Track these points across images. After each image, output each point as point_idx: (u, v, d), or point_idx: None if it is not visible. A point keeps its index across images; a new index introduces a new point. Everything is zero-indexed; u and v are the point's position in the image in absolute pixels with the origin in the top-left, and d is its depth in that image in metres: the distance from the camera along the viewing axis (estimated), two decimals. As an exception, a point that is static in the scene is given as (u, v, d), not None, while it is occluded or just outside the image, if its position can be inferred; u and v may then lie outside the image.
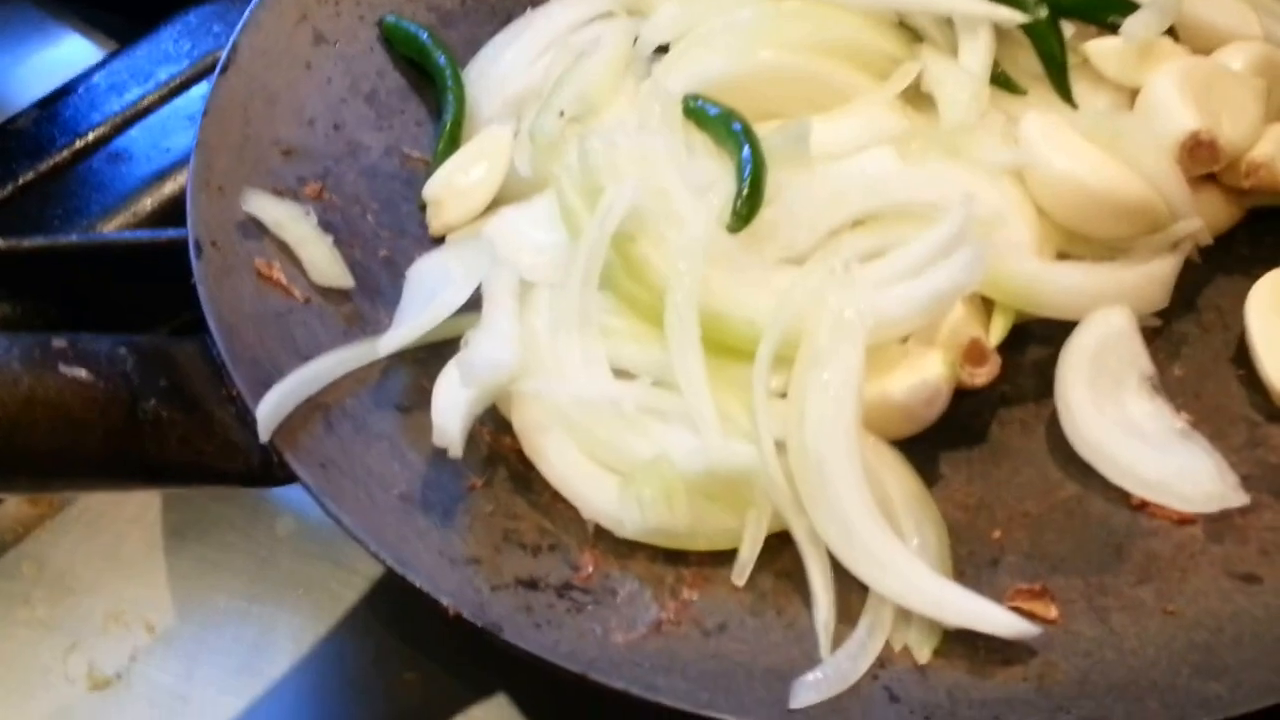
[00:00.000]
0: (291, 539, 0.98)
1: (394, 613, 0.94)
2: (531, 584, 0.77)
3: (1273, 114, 0.93)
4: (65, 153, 1.12)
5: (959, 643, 0.74)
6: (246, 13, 0.99)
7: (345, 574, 0.95)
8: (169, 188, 1.09)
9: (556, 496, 0.81)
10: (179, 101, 1.15)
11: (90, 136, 1.13)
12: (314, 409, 0.82)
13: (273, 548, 0.98)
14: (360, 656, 0.92)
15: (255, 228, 0.91)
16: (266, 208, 0.92)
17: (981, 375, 0.84)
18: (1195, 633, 0.74)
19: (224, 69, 0.98)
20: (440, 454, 0.80)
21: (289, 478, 0.80)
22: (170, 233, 0.95)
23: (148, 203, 1.08)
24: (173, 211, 1.05)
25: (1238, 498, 0.80)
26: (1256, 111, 0.92)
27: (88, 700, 0.92)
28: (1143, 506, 0.81)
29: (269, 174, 0.95)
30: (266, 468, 0.81)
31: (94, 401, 0.77)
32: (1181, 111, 0.89)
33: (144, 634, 0.94)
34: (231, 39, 0.99)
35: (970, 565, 0.79)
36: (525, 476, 0.82)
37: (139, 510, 1.00)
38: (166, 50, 1.19)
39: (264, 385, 0.81)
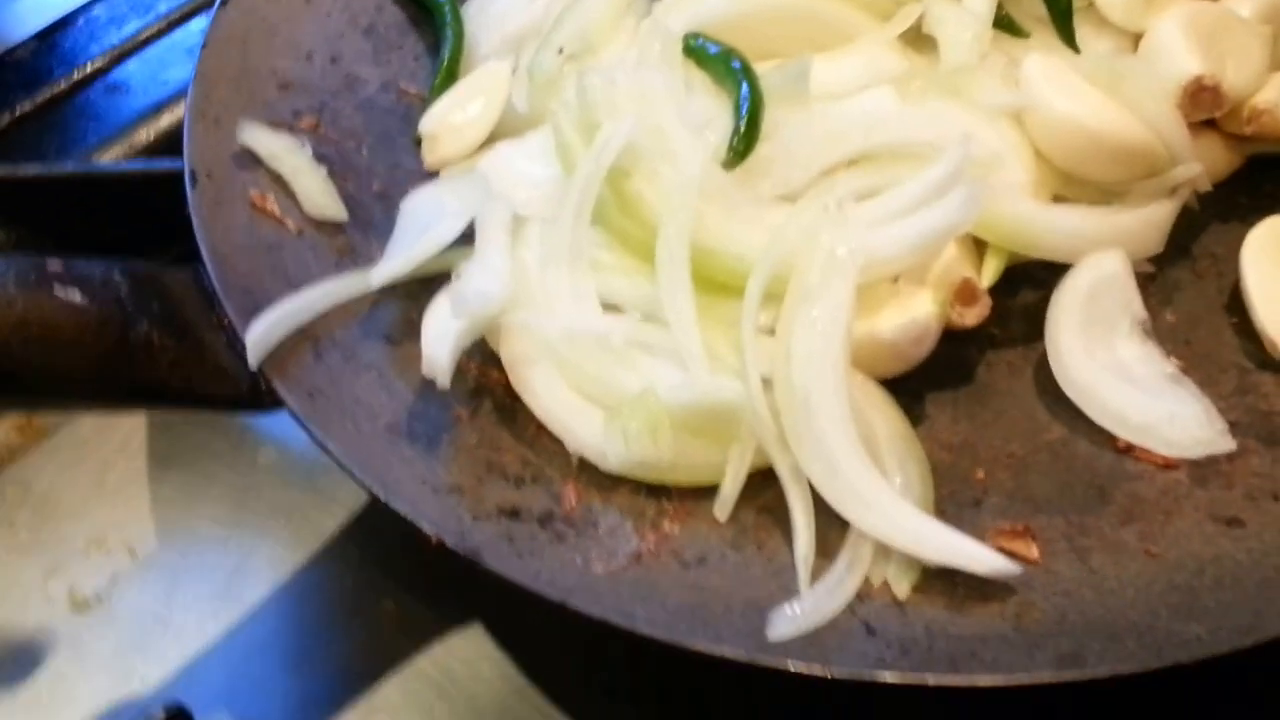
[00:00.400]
0: (273, 468, 0.98)
1: (373, 542, 0.94)
2: (514, 514, 0.77)
3: (1278, 61, 0.92)
4: (63, 84, 1.12)
5: (938, 580, 0.74)
6: (247, -54, 0.99)
7: (325, 503, 0.96)
8: (165, 120, 1.09)
9: (541, 429, 0.82)
10: (177, 34, 1.16)
11: (88, 68, 1.13)
12: (304, 338, 0.82)
13: (254, 477, 0.98)
14: (339, 585, 0.93)
15: (250, 159, 0.92)
16: (262, 139, 0.92)
17: (971, 315, 0.83)
18: (1176, 575, 0.74)
19: (224, 2, 0.98)
20: (427, 385, 0.80)
21: (276, 404, 0.80)
22: (165, 163, 0.95)
23: (144, 134, 1.09)
24: (168, 143, 1.06)
25: (1225, 443, 0.79)
26: (1262, 58, 0.90)
27: (69, 621, 0.93)
28: (1128, 450, 0.80)
29: (265, 106, 0.95)
30: (255, 394, 0.81)
31: (87, 324, 0.78)
32: (1185, 56, 0.88)
33: (125, 558, 0.95)
34: (232, -28, 0.99)
35: (952, 504, 0.79)
36: (510, 409, 0.83)
37: (124, 438, 1.00)
38: (166, -17, 1.19)
39: (255, 314, 0.81)
